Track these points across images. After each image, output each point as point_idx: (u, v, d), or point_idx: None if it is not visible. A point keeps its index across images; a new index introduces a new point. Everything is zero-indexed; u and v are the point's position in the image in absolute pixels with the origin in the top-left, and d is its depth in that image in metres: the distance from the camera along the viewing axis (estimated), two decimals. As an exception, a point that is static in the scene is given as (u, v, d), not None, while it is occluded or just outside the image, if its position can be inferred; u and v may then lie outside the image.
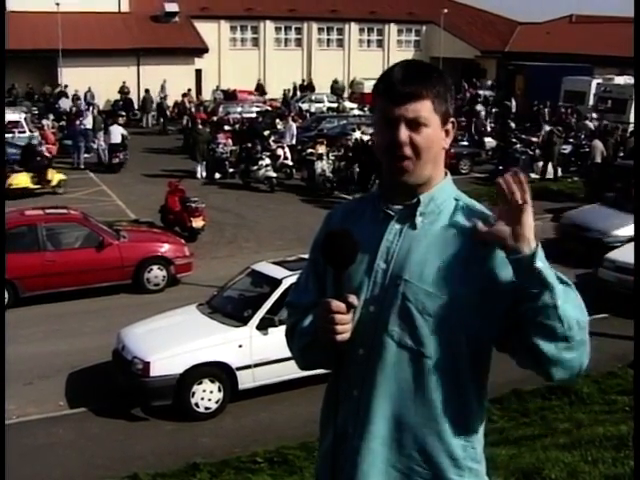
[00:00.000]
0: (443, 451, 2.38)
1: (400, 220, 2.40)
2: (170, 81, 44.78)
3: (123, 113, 39.04)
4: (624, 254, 14.38)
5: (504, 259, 2.26)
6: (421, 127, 2.33)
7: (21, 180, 23.31)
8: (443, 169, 2.47)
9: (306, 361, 2.63)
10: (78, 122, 31.14)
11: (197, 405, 10.74)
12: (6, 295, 14.60)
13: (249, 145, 26.57)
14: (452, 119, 2.41)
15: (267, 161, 25.89)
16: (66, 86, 43.14)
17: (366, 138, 25.65)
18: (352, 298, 2.25)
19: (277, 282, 11.38)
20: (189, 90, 45.82)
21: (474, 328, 2.32)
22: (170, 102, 43.01)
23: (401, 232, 2.39)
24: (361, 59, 57.61)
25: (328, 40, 59.03)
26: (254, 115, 35.47)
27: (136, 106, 42.84)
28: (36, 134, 28.38)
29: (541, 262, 2.19)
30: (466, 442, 2.41)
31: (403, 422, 2.36)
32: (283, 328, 9.82)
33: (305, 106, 43.74)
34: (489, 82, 52.99)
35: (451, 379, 2.35)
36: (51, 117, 34.98)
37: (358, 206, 2.58)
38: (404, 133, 2.32)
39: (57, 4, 41.60)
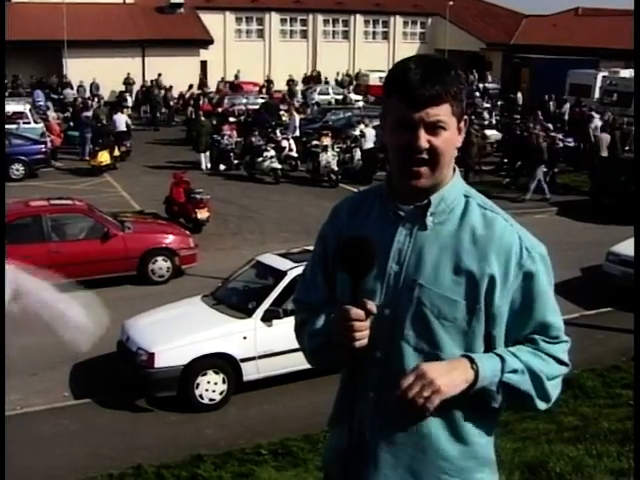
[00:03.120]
0: (466, 452, 2.37)
1: (410, 221, 2.36)
2: (175, 72, 44.72)
3: (129, 105, 38.99)
4: (629, 248, 14.34)
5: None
6: (440, 130, 2.28)
7: (106, 157, 26.58)
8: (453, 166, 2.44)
9: (318, 361, 2.62)
10: (85, 114, 31.15)
11: (201, 396, 10.75)
12: (11, 286, 14.57)
13: (255, 136, 26.53)
14: (465, 117, 2.37)
15: (272, 153, 25.88)
16: (65, 77, 43.14)
17: (370, 131, 25.56)
18: (371, 305, 2.23)
19: (282, 274, 11.38)
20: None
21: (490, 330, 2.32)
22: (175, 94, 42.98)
23: (412, 233, 2.36)
24: (366, 51, 57.59)
25: (333, 32, 58.99)
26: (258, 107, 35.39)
27: (130, 100, 42.21)
28: (41, 125, 28.38)
29: (484, 380, 2.26)
30: (487, 440, 2.42)
31: (421, 425, 2.34)
32: (287, 320, 9.84)
33: (316, 97, 43.66)
34: (475, 75, 52.49)
35: None
36: (52, 107, 34.95)
37: (365, 200, 2.54)
38: (424, 138, 2.27)
39: (62, -5, 41.63)
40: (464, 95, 2.36)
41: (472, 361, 2.23)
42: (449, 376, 2.19)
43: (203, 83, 46.40)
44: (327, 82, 51.06)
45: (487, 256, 2.28)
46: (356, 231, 2.39)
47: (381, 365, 2.35)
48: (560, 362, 2.37)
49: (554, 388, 2.36)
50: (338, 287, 2.44)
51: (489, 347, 2.32)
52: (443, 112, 2.27)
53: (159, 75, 44.39)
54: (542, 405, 2.35)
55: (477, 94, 43.24)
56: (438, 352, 2.30)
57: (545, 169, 23.59)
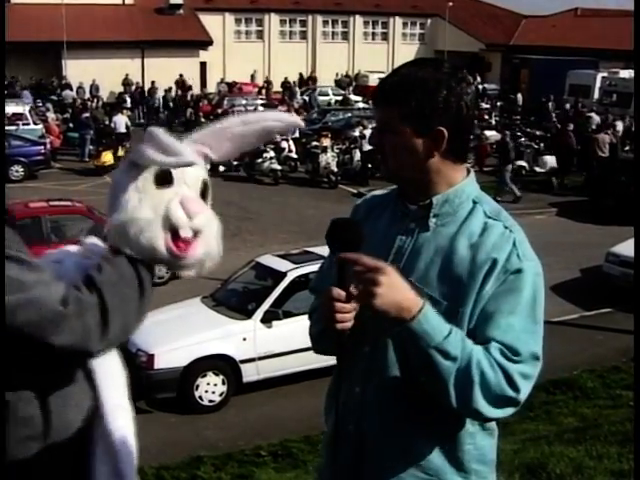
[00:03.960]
0: (445, 454, 2.34)
1: (414, 220, 2.37)
2: (174, 74, 44.76)
3: (128, 105, 38.98)
4: (628, 248, 14.33)
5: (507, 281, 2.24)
6: (387, 133, 2.31)
7: (110, 157, 26.62)
8: (455, 172, 2.37)
9: (319, 347, 2.61)
10: (84, 115, 31.17)
11: (201, 398, 10.75)
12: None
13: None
14: (440, 127, 2.26)
15: (271, 154, 25.89)
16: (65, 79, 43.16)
17: (369, 132, 25.58)
18: (353, 287, 2.20)
19: (281, 275, 11.38)
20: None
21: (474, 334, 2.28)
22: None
23: (414, 232, 2.36)
24: (366, 52, 57.59)
25: (333, 33, 59.01)
26: (259, 108, 35.43)
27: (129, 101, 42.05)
28: (40, 126, 28.38)
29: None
30: (470, 443, 2.37)
31: (404, 423, 2.33)
32: (287, 321, 9.81)
33: (319, 99, 43.66)
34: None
35: None
36: (51, 108, 34.98)
37: (384, 199, 2.56)
38: (375, 135, 2.38)
39: (61, -4, 41.64)
40: (437, 102, 2.26)
41: (421, 309, 2.14)
42: (395, 297, 2.12)
43: (183, 84, 45.85)
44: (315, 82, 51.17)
45: (476, 262, 2.25)
46: (368, 229, 2.38)
47: (367, 359, 2.36)
48: (510, 382, 2.18)
49: (485, 401, 2.17)
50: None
51: None
52: (389, 115, 2.29)
53: (181, 76, 44.36)
54: (455, 403, 2.17)
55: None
56: None
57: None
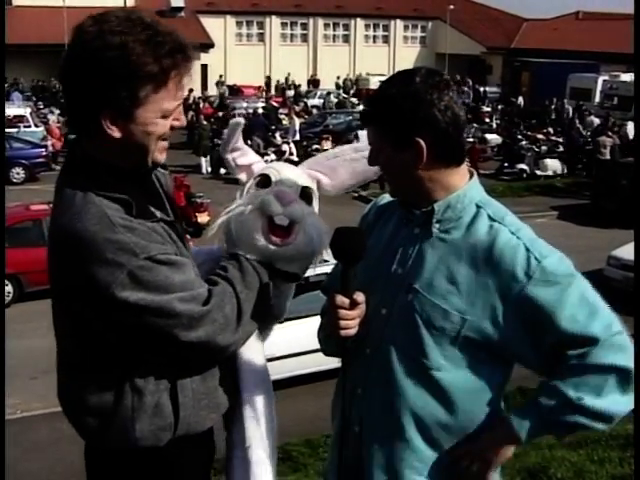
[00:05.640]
0: (444, 460, 2.33)
1: (418, 226, 2.35)
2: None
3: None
4: (630, 252, 14.29)
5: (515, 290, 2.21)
6: (375, 152, 2.35)
7: None
8: (450, 176, 2.32)
9: (327, 349, 2.61)
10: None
11: (201, 401, 10.72)
12: (11, 289, 14.62)
13: (254, 141, 26.56)
14: (417, 138, 2.24)
15: (272, 157, 25.87)
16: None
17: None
18: (357, 295, 2.20)
19: (282, 278, 11.35)
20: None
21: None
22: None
23: (417, 238, 2.34)
24: (367, 55, 57.72)
25: (334, 36, 59.14)
26: (259, 110, 35.41)
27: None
28: (41, 129, 28.40)
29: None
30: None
31: (403, 427, 2.33)
32: (288, 324, 9.73)
33: (314, 102, 43.72)
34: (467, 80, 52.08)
35: None
36: (56, 111, 35.03)
37: (391, 205, 2.55)
38: (370, 154, 2.40)
39: (63, -2, 41.73)
40: (406, 120, 2.24)
41: (518, 436, 2.26)
42: (505, 456, 2.31)
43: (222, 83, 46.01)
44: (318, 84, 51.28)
45: (483, 270, 2.23)
46: (376, 234, 2.44)
47: (368, 361, 2.37)
48: (624, 382, 2.25)
49: (624, 406, 2.27)
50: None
51: (491, 354, 2.28)
52: (371, 133, 2.35)
53: (221, 76, 44.35)
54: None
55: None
56: (423, 359, 2.27)
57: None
